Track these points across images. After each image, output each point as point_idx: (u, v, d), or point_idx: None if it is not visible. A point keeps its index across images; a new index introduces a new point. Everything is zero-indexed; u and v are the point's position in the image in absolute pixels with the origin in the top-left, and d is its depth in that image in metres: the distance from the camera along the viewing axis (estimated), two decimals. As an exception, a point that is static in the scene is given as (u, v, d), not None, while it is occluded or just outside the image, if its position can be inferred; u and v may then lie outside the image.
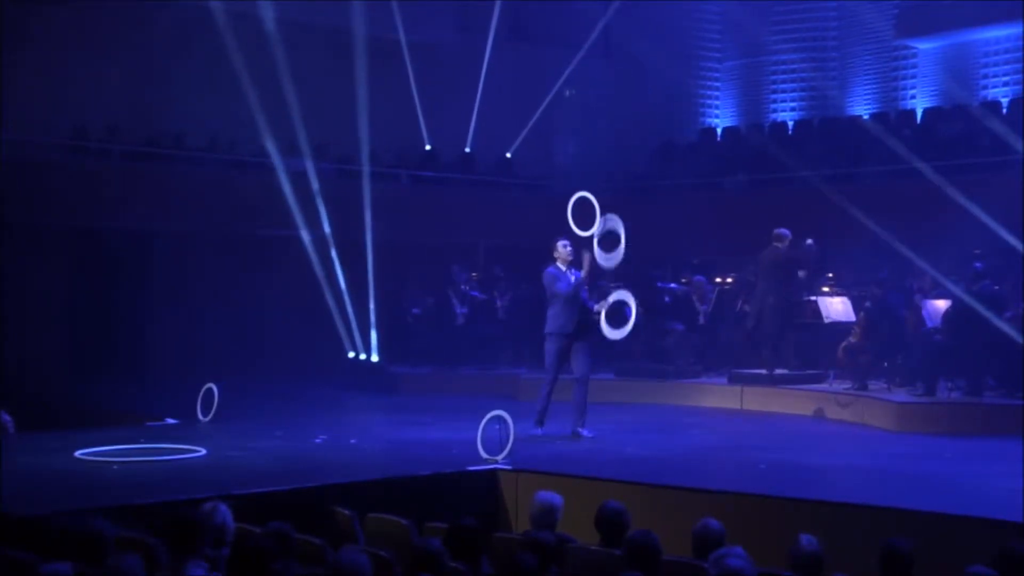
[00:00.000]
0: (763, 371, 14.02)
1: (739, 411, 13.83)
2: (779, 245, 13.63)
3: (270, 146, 17.11)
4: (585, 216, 11.01)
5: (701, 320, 15.47)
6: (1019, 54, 18.67)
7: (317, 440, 10.98)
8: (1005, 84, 19.27)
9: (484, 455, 9.35)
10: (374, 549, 5.74)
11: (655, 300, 15.62)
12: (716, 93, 23.30)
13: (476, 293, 17.11)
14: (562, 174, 21.66)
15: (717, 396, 14.30)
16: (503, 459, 9.25)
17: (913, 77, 20.61)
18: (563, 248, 11.12)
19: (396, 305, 17.60)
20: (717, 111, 23.27)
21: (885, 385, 13.05)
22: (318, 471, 9.14)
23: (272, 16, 17.16)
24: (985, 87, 19.56)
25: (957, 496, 8.31)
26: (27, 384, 14.72)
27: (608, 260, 10.98)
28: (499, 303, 16.99)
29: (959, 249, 14.82)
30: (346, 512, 7.05)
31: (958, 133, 18.11)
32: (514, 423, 9.47)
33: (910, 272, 14.48)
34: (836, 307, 14.16)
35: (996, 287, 12.49)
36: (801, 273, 13.84)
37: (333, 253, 17.27)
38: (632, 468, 9.53)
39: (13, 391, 13.10)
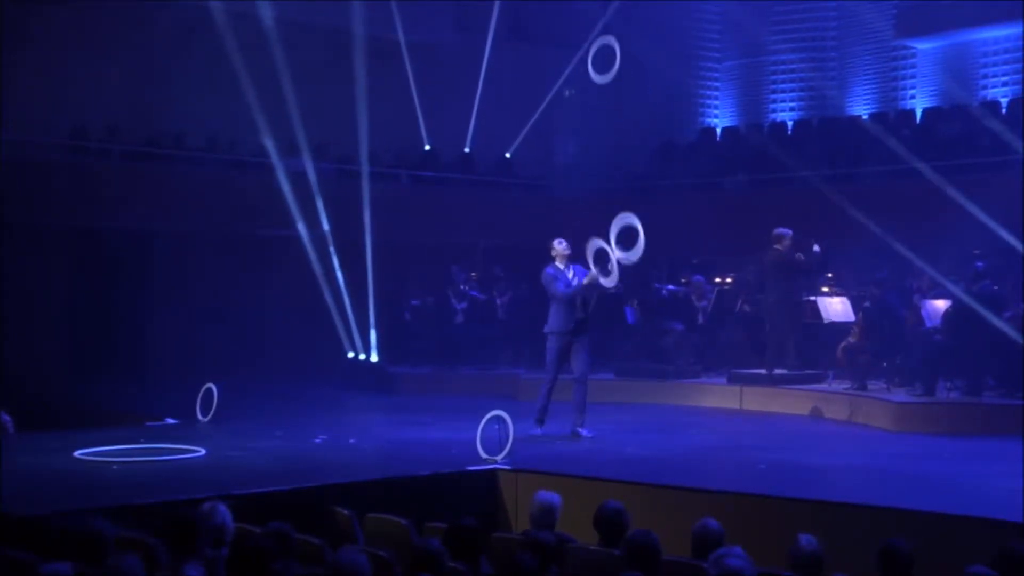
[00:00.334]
0: (762, 371, 14.02)
1: (738, 411, 13.83)
2: (779, 246, 13.61)
3: (270, 146, 17.12)
4: (627, 239, 10.92)
5: (700, 320, 15.47)
6: (1018, 54, 18.67)
7: (317, 440, 10.98)
8: (1004, 84, 19.27)
9: (483, 455, 9.35)
10: (373, 549, 5.74)
11: (654, 299, 15.64)
12: (716, 93, 23.30)
13: (475, 293, 17.11)
14: (562, 174, 21.68)
15: (716, 396, 14.30)
16: (502, 459, 9.25)
17: (912, 77, 20.61)
18: (558, 245, 11.15)
19: (396, 305, 17.59)
20: (716, 111, 23.28)
21: (884, 385, 13.05)
22: (318, 471, 9.15)
23: (272, 16, 17.16)
24: (984, 87, 19.56)
25: (957, 496, 8.31)
26: (27, 384, 14.71)
27: (628, 257, 10.88)
28: (499, 303, 17.00)
29: (958, 249, 14.82)
30: (346, 512, 7.06)
31: (957, 133, 18.11)
32: (513, 423, 9.47)
33: (909, 272, 14.47)
34: (835, 307, 14.16)
35: (996, 287, 12.49)
36: (808, 255, 13.60)
37: (332, 253, 17.28)
38: (632, 468, 9.54)
39: (13, 391, 13.09)
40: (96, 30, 17.86)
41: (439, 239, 19.08)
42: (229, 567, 5.12)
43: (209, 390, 11.99)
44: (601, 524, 6.03)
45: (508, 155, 20.81)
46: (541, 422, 11.12)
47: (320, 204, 17.21)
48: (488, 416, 9.50)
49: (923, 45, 20.36)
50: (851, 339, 13.38)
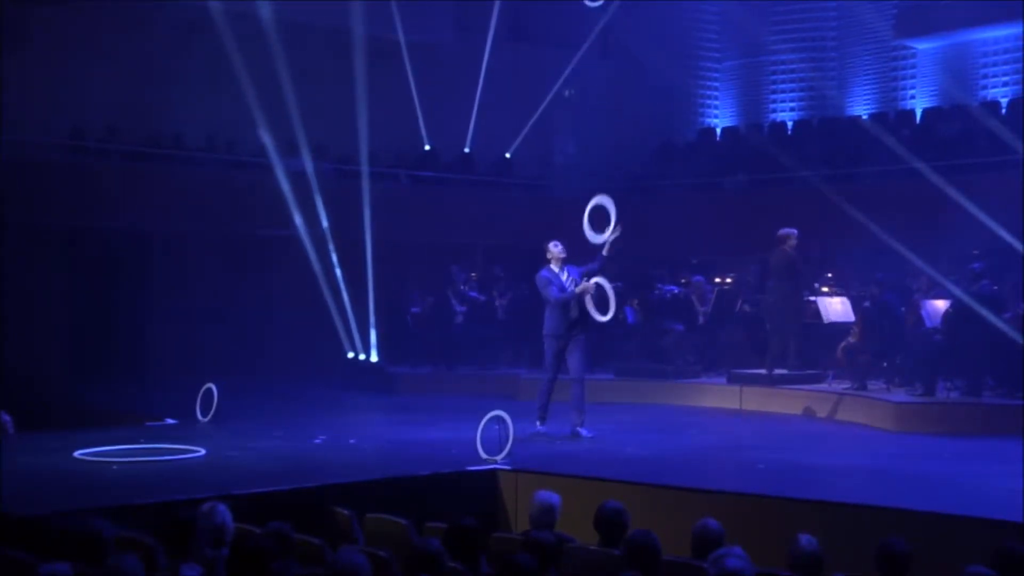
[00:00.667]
0: (762, 371, 14.02)
1: (738, 411, 13.83)
2: (786, 246, 13.59)
3: (269, 146, 17.12)
4: (600, 221, 10.98)
5: (700, 320, 15.47)
6: (1018, 54, 18.68)
7: (316, 440, 10.98)
8: (1004, 84, 19.28)
9: (483, 455, 9.35)
10: (373, 549, 5.75)
11: (654, 299, 15.65)
12: (715, 93, 23.30)
13: (475, 293, 17.11)
14: (561, 174, 21.67)
15: (716, 396, 14.30)
16: (502, 459, 9.25)
17: (912, 77, 20.62)
18: (554, 248, 11.18)
19: (395, 305, 17.60)
20: (716, 111, 23.28)
21: (884, 385, 13.05)
22: (317, 471, 9.15)
23: (271, 16, 17.16)
24: (984, 87, 19.57)
25: (956, 496, 8.31)
26: (27, 384, 14.71)
27: (596, 238, 10.93)
28: (498, 303, 17.00)
29: (958, 249, 14.83)
30: (345, 512, 7.06)
31: (957, 133, 18.12)
32: (513, 423, 9.46)
33: (909, 272, 14.47)
34: (835, 307, 14.16)
35: (995, 287, 12.49)
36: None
37: (332, 253, 17.28)
38: (631, 468, 9.54)
39: (13, 391, 13.09)
40: (96, 30, 17.86)
41: (439, 239, 19.09)
42: (229, 567, 5.12)
43: (209, 390, 11.99)
44: (601, 524, 6.03)
45: (508, 155, 20.81)
46: (543, 420, 11.15)
47: (320, 204, 17.21)
48: (488, 416, 9.50)
49: (923, 45, 20.37)
50: (851, 339, 13.39)
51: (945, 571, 5.91)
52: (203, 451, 9.90)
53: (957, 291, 12.38)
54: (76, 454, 9.53)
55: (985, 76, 19.60)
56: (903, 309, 13.32)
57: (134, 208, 16.78)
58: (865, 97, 21.12)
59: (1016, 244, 13.46)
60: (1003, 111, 18.47)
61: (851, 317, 13.88)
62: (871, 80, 21.12)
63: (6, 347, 15.36)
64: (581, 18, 20.49)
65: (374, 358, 17.12)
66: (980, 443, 11.00)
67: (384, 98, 18.38)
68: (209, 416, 11.91)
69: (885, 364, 13.36)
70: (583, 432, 11.09)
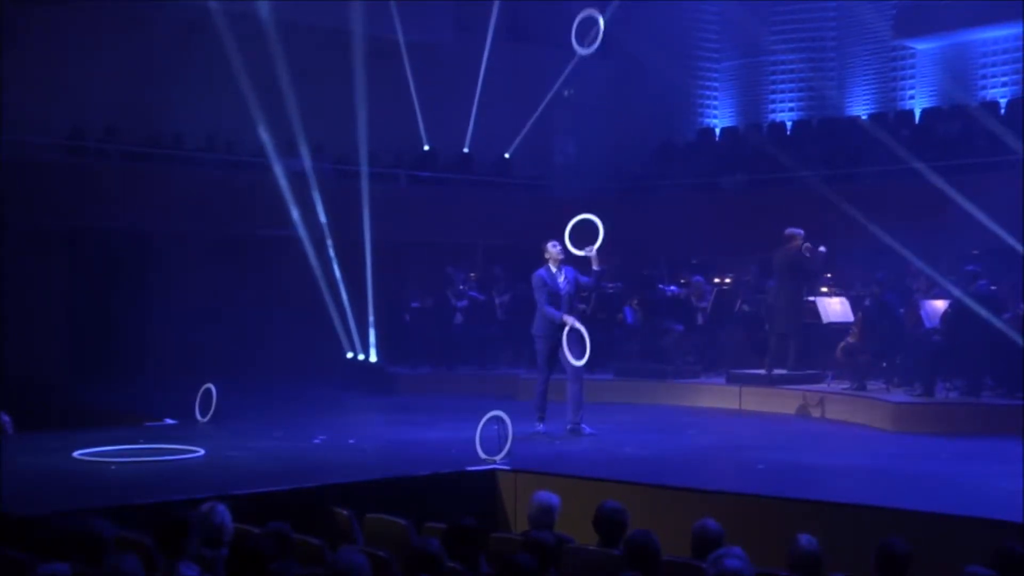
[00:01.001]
0: (761, 371, 14.02)
1: (737, 411, 13.83)
2: (791, 246, 13.57)
3: (269, 146, 17.12)
4: (585, 236, 11.10)
5: (700, 320, 15.48)
6: (1017, 54, 18.68)
7: (316, 440, 10.98)
8: (1003, 84, 19.28)
9: (483, 455, 9.36)
10: (373, 549, 5.75)
11: (654, 299, 15.65)
12: (714, 93, 23.30)
13: (474, 293, 17.11)
14: (561, 174, 21.68)
15: (715, 396, 14.30)
16: (502, 459, 9.25)
17: (912, 77, 20.62)
18: (552, 248, 11.21)
19: (395, 305, 17.59)
20: (715, 111, 23.28)
21: (883, 385, 13.05)
22: (317, 471, 9.14)
23: (271, 16, 17.17)
24: (983, 87, 19.57)
25: (955, 496, 8.31)
26: (26, 384, 14.72)
27: (581, 251, 11.06)
28: (497, 303, 17.00)
29: (958, 249, 14.83)
30: (345, 512, 7.06)
31: (956, 133, 18.13)
32: (513, 423, 9.47)
33: (908, 272, 14.48)
34: (834, 307, 14.16)
35: (993, 287, 12.50)
36: (814, 255, 13.57)
37: (331, 253, 17.28)
38: (631, 468, 9.54)
39: (13, 391, 13.10)
40: (95, 30, 17.87)
41: (438, 239, 19.09)
42: (228, 567, 5.12)
43: (208, 390, 11.99)
44: (600, 524, 6.03)
45: (507, 155, 20.81)
46: (542, 419, 11.17)
47: (319, 204, 17.21)
48: (487, 416, 9.51)
49: (922, 45, 20.37)
50: (850, 339, 13.38)
51: (945, 571, 5.91)
52: (202, 451, 9.90)
53: (956, 291, 12.39)
54: (75, 454, 9.53)
55: (984, 76, 19.60)
56: (902, 310, 13.32)
57: (134, 208, 16.78)
58: (864, 97, 21.12)
59: (1015, 244, 13.47)
60: (1002, 111, 18.48)
61: (850, 317, 13.88)
62: (870, 80, 21.12)
63: (6, 347, 15.36)
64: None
65: (373, 358, 17.13)
66: (979, 443, 11.00)
67: (383, 98, 18.39)
68: (208, 416, 11.91)
69: (884, 364, 13.36)
70: (585, 428, 11.12)
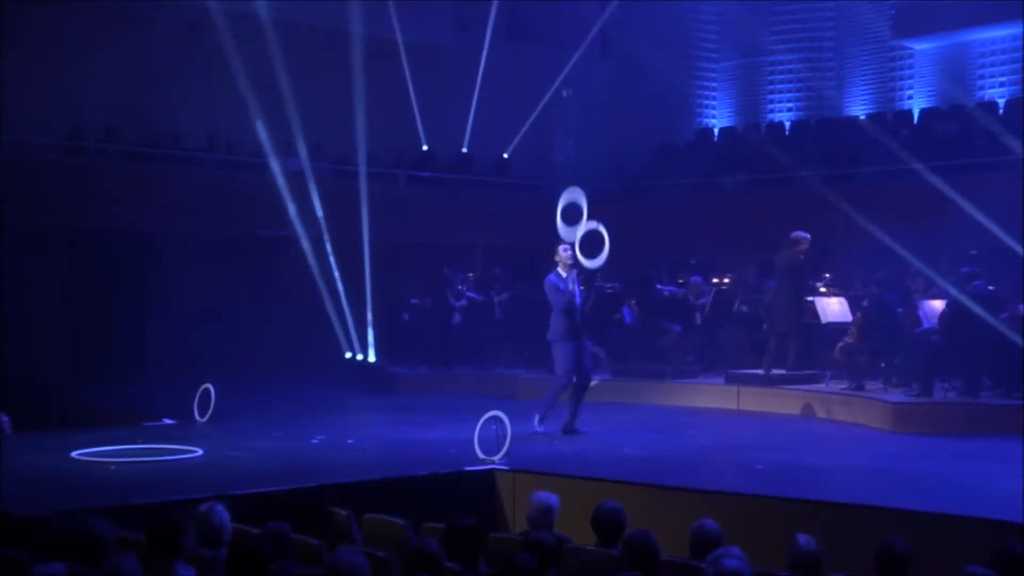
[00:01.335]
0: (760, 371, 14.02)
1: (736, 411, 13.83)
2: (795, 249, 13.57)
3: (268, 146, 17.12)
4: (573, 216, 11.08)
5: (699, 320, 15.48)
6: (1016, 54, 18.69)
7: (314, 440, 10.98)
8: (1002, 84, 19.29)
9: (481, 455, 9.36)
10: (371, 549, 5.75)
11: (652, 299, 15.65)
12: (713, 93, 23.31)
13: (472, 294, 17.11)
14: (560, 174, 21.66)
15: (714, 396, 14.30)
16: (500, 459, 9.26)
17: (910, 77, 20.63)
18: (564, 252, 11.17)
19: (394, 305, 17.59)
20: (714, 111, 23.28)
21: (882, 385, 13.05)
22: (316, 471, 9.15)
23: (270, 16, 17.17)
24: (982, 87, 19.58)
25: (954, 496, 8.31)
26: (26, 384, 14.71)
27: (592, 263, 11.05)
28: (496, 302, 17.00)
29: (957, 249, 14.84)
30: (343, 512, 7.06)
31: (955, 133, 18.14)
32: (512, 423, 9.47)
33: (907, 272, 14.48)
34: (833, 307, 14.16)
35: (990, 287, 12.50)
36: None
37: (330, 253, 17.28)
38: (629, 468, 9.55)
39: (12, 391, 13.09)
40: (95, 30, 17.87)
41: (437, 239, 19.09)
42: (227, 567, 5.12)
43: (207, 390, 11.98)
44: (599, 524, 6.04)
45: (506, 155, 20.82)
46: (542, 420, 11.15)
47: (318, 204, 17.21)
48: (486, 416, 9.51)
49: (921, 45, 20.38)
50: (848, 339, 13.39)
51: (944, 571, 5.91)
52: (201, 451, 9.90)
53: (953, 291, 12.39)
54: (74, 454, 9.53)
55: (983, 76, 19.62)
56: (900, 310, 13.33)
57: (134, 208, 16.78)
58: (863, 97, 21.13)
59: (1015, 244, 13.47)
60: (1000, 111, 18.49)
61: (848, 317, 13.87)
62: (869, 80, 21.12)
63: (6, 347, 15.35)
64: (580, 18, 20.52)
65: (372, 358, 17.13)
66: (978, 443, 11.01)
67: (382, 98, 18.39)
68: (207, 416, 11.91)
69: (883, 364, 13.36)
70: (582, 428, 11.16)
